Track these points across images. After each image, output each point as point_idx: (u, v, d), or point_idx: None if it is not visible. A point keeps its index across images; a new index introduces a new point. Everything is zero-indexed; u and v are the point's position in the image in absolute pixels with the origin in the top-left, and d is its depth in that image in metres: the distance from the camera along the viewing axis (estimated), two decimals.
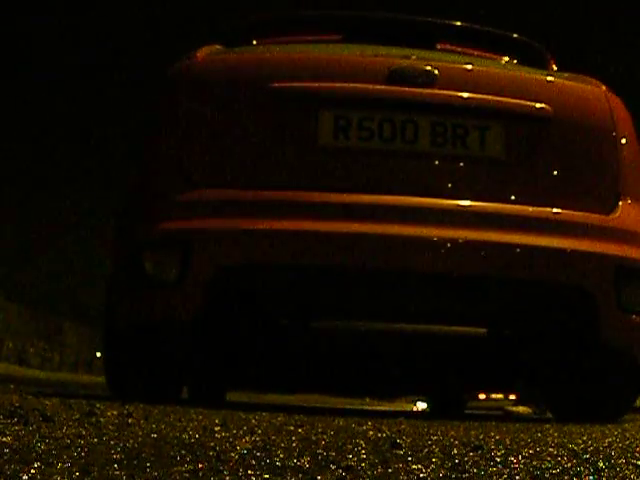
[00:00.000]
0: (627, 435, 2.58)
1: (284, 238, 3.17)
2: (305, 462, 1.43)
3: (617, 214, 3.43)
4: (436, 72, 3.44)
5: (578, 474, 1.43)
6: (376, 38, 3.98)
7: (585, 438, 2.34)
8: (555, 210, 3.35)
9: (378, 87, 3.41)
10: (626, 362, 3.54)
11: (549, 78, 3.68)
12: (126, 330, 3.44)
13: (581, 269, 3.27)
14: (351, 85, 3.41)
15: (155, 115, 3.56)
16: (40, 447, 1.43)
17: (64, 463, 1.27)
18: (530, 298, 3.33)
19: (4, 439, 1.50)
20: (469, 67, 3.57)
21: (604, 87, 3.70)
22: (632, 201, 3.49)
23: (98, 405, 2.64)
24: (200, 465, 1.33)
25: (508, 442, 2.05)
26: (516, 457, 1.65)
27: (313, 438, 1.90)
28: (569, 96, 3.61)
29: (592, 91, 3.65)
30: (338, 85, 3.41)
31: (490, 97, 3.46)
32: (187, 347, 3.51)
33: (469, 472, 1.40)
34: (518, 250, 3.22)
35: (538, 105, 3.49)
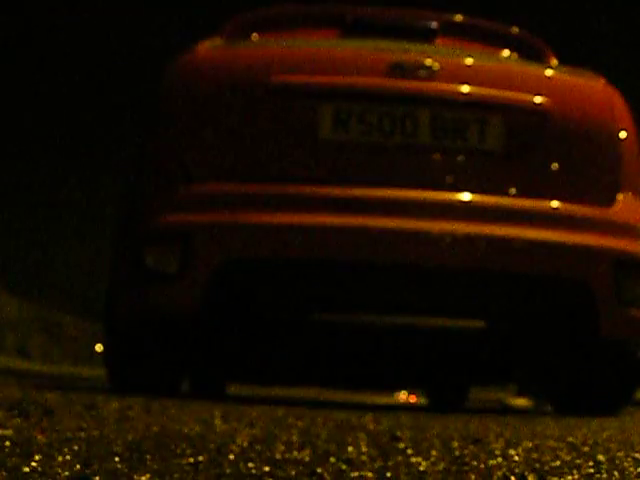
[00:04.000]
0: (626, 428, 2.59)
1: (284, 232, 3.17)
2: (305, 455, 1.43)
3: (616, 207, 3.44)
4: (436, 66, 3.44)
5: (577, 467, 1.43)
6: (376, 33, 3.98)
7: (584, 431, 2.35)
8: (554, 203, 3.35)
9: (378, 81, 3.41)
10: (625, 355, 3.55)
11: (549, 72, 3.68)
12: (127, 323, 3.45)
13: (580, 262, 3.28)
14: (351, 79, 3.41)
15: (155, 109, 3.56)
16: (41, 440, 1.43)
17: (65, 456, 1.27)
18: (529, 291, 3.33)
19: (5, 432, 1.51)
20: (469, 61, 3.57)
21: (604, 81, 3.70)
22: (631, 194, 3.50)
23: (99, 398, 2.65)
24: (201, 458, 1.33)
25: (507, 435, 2.05)
26: (516, 450, 1.66)
27: (313, 431, 1.90)
28: (569, 90, 3.61)
29: (592, 85, 3.65)
30: (338, 79, 3.42)
31: (490, 91, 3.46)
32: (188, 340, 3.51)
33: (469, 465, 1.40)
34: (517, 243, 3.22)
35: (537, 99, 3.49)
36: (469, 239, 3.20)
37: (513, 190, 3.36)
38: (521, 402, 7.69)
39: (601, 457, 1.59)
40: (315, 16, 4.22)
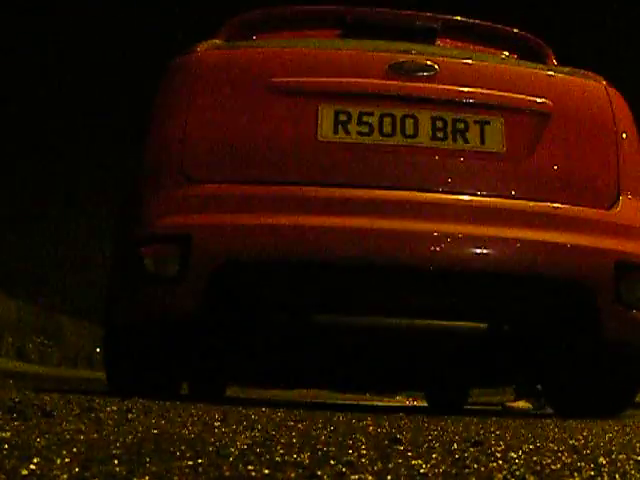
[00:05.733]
0: (627, 430, 2.58)
1: (284, 233, 3.16)
2: (305, 457, 1.43)
3: (617, 209, 3.43)
4: (436, 67, 3.44)
5: (578, 469, 1.43)
6: (376, 33, 3.98)
7: (585, 433, 2.34)
8: (555, 205, 3.34)
9: (378, 82, 3.40)
10: (626, 357, 3.54)
11: (549, 73, 3.68)
12: (126, 325, 3.44)
13: (581, 264, 3.26)
14: (351, 80, 3.41)
15: (154, 109, 3.56)
16: (40, 442, 1.42)
17: (64, 458, 1.26)
18: (530, 293, 3.32)
19: (3, 434, 1.50)
20: (469, 62, 3.57)
21: (604, 82, 3.70)
22: (632, 196, 3.49)
23: (98, 400, 2.64)
24: (200, 460, 1.32)
25: (508, 437, 2.05)
26: (516, 452, 1.65)
27: (313, 433, 1.90)
28: (569, 91, 3.61)
29: (592, 86, 3.65)
30: (338, 80, 3.41)
31: (490, 92, 3.45)
32: (187, 342, 3.51)
33: (469, 467, 1.40)
34: (518, 245, 3.21)
35: (538, 100, 3.48)
36: (470, 241, 3.19)
37: (514, 191, 3.35)
38: (522, 404, 7.69)
39: (602, 460, 1.58)
40: (315, 16, 4.22)
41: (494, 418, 3.26)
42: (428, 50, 3.63)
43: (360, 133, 3.33)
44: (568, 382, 3.85)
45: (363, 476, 1.26)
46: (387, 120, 3.34)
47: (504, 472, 1.36)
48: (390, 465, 1.39)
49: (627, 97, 3.70)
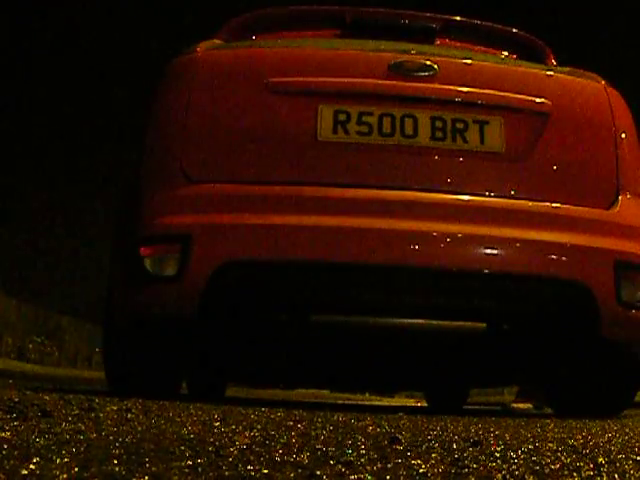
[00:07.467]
0: (627, 430, 2.59)
1: (284, 233, 3.16)
2: (304, 457, 1.43)
3: (616, 209, 3.43)
4: (435, 67, 3.44)
5: (578, 469, 1.43)
6: (375, 33, 3.98)
7: (585, 433, 2.34)
8: (554, 205, 3.35)
9: (377, 82, 3.40)
10: (626, 357, 3.54)
11: (548, 73, 3.68)
12: (126, 325, 3.44)
13: (580, 264, 3.26)
14: (350, 80, 3.41)
15: (154, 109, 3.55)
16: (39, 442, 1.42)
17: (63, 458, 1.26)
18: (529, 293, 3.32)
19: (3, 434, 1.50)
20: (469, 62, 3.57)
21: (603, 82, 3.70)
22: (631, 195, 3.49)
23: (97, 400, 2.64)
24: (199, 460, 1.32)
25: (508, 437, 2.05)
26: (516, 452, 1.65)
27: (312, 433, 1.90)
28: (568, 91, 3.61)
29: (591, 86, 3.65)
30: (337, 80, 3.41)
31: (490, 92, 3.45)
32: (186, 342, 3.51)
33: (468, 467, 1.40)
34: (517, 245, 3.21)
35: (538, 100, 3.48)
36: (469, 240, 3.19)
37: (513, 191, 3.35)
38: (521, 404, 7.69)
39: (601, 460, 1.58)
40: (314, 17, 4.22)
41: (493, 418, 3.27)
42: (427, 50, 3.63)
43: (359, 133, 3.33)
44: (567, 382, 3.84)
45: (362, 476, 1.26)
46: (386, 120, 3.34)
47: (503, 472, 1.36)
48: (389, 465, 1.39)
49: (626, 97, 3.70)
